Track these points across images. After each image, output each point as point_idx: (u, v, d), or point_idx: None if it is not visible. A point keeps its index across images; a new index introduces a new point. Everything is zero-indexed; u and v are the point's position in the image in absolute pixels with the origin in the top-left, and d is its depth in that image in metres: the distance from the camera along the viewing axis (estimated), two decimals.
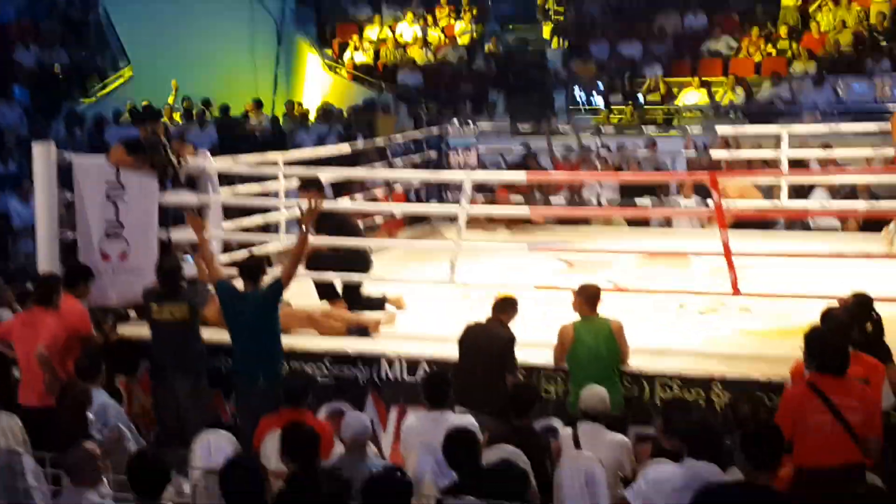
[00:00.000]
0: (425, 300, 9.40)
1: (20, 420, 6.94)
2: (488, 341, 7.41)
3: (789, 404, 5.78)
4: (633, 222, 12.94)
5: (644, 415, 7.24)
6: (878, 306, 6.98)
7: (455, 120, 14.22)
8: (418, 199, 13.48)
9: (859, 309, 6.83)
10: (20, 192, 14.32)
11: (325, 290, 9.20)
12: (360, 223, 11.80)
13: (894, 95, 17.74)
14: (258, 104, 19.60)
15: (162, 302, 7.76)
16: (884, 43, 18.75)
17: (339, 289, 9.22)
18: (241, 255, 9.55)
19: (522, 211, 11.93)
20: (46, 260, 8.79)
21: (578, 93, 20.10)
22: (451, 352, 7.72)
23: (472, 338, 7.45)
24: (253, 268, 7.76)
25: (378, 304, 9.17)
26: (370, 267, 9.33)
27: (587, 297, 7.54)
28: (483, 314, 7.80)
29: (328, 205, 9.18)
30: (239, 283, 7.73)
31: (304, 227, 7.67)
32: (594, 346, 7.32)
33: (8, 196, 14.86)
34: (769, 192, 12.34)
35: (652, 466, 5.80)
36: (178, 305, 7.72)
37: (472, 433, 5.97)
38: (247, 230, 10.12)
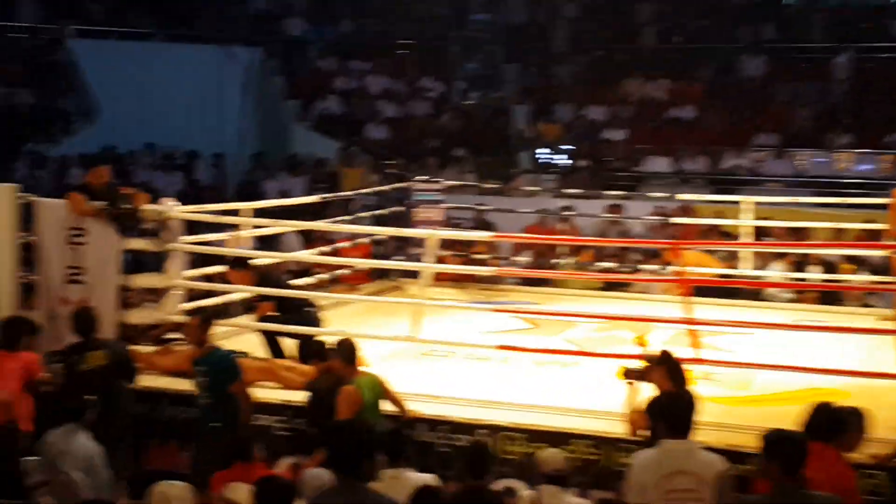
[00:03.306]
0: (387, 356, 9.35)
1: None
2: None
3: None
4: (602, 286, 12.97)
5: (604, 479, 7.21)
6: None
7: (421, 175, 14.26)
8: (383, 254, 13.46)
9: (668, 364, 6.87)
10: None
11: (273, 348, 9.14)
12: (325, 275, 11.83)
13: (852, 169, 18.06)
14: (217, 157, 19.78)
15: (80, 353, 7.73)
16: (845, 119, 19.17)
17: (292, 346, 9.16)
18: (205, 303, 9.54)
19: (487, 270, 11.94)
20: (6, 302, 8.67)
21: (543, 153, 20.30)
22: (413, 408, 7.70)
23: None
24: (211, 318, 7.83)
25: None
26: (319, 325, 9.25)
27: (344, 354, 7.39)
28: (446, 371, 7.71)
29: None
30: None
31: None
32: (373, 403, 7.25)
33: None
34: (730, 261, 12.45)
35: None
36: (95, 354, 7.70)
37: (437, 492, 5.90)
38: (209, 278, 10.04)
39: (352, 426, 5.26)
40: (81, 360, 7.68)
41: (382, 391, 7.41)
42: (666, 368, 6.82)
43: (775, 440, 5.48)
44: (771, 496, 5.42)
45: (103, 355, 7.71)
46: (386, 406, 7.49)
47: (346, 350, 7.42)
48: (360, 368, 8.11)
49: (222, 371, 7.58)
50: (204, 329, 7.73)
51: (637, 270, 12.66)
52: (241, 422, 7.44)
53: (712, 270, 11.96)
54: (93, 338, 7.81)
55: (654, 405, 6.36)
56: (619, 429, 7.28)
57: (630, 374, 7.02)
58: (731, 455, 6.82)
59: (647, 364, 7.00)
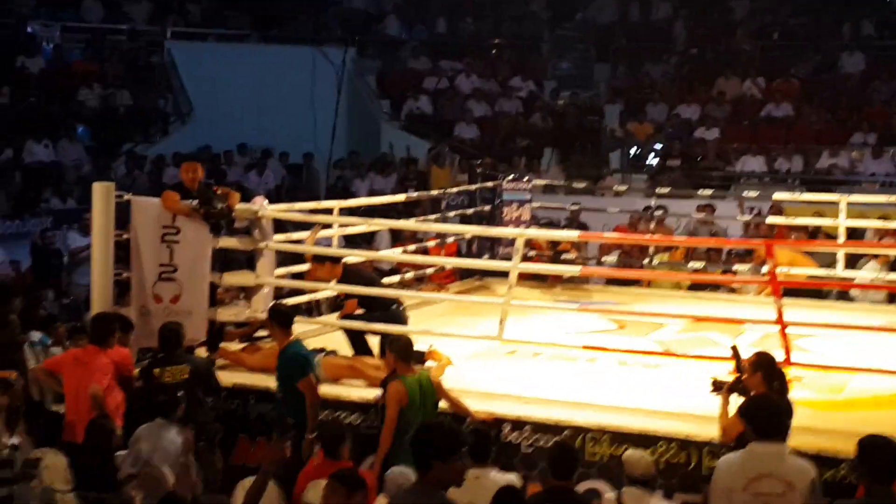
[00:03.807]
0: (472, 355, 9.36)
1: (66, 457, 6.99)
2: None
3: None
4: (690, 286, 12.81)
5: (691, 482, 7.12)
6: None
7: (510, 175, 14.25)
8: (470, 253, 13.47)
9: (765, 368, 6.76)
10: (81, 225, 14.48)
11: (358, 346, 9.19)
12: (412, 273, 11.90)
13: None
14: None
15: (163, 366, 7.81)
16: None
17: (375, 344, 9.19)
18: (292, 301, 9.64)
19: (573, 269, 11.87)
20: (100, 298, 8.86)
21: (634, 153, 20.13)
22: (497, 408, 7.70)
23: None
24: (290, 316, 7.89)
25: (416, 358, 9.05)
26: (405, 322, 9.25)
27: (399, 351, 7.37)
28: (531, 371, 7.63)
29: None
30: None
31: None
32: (420, 403, 7.23)
33: (68, 230, 15.08)
34: (823, 261, 12.20)
35: None
36: (178, 368, 7.77)
37: (520, 493, 5.88)
38: (299, 277, 10.15)
39: (433, 427, 5.24)
40: (164, 373, 7.77)
41: (435, 391, 7.39)
42: (762, 374, 6.71)
43: (869, 445, 5.37)
44: (864, 502, 5.32)
45: (186, 370, 7.81)
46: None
47: (400, 347, 7.43)
48: (419, 366, 8.16)
49: (291, 366, 7.67)
50: (277, 325, 7.84)
51: (728, 271, 12.48)
52: (308, 418, 7.49)
53: (805, 271, 11.75)
54: (178, 353, 7.91)
55: (743, 407, 6.27)
56: (705, 431, 7.19)
57: (717, 386, 6.93)
58: (823, 460, 6.72)
59: (743, 369, 6.88)
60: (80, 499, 6.43)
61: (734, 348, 7.09)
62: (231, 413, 8.28)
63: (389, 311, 9.13)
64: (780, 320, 8.21)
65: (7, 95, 18.81)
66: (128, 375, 7.86)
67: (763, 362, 6.80)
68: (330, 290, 9.62)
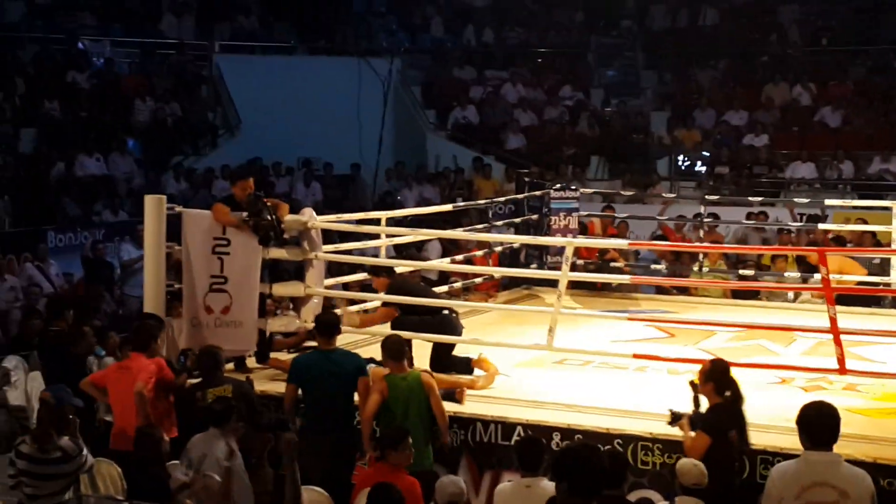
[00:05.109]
0: (521, 364, 9.33)
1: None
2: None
3: None
4: (737, 294, 12.70)
5: (746, 491, 7.05)
6: None
7: (557, 184, 14.21)
8: (518, 262, 13.43)
9: (719, 375, 6.88)
10: (134, 237, 14.58)
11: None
12: (459, 284, 11.88)
13: None
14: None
15: (205, 388, 7.79)
16: None
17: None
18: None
19: (623, 278, 11.82)
20: (152, 309, 8.93)
21: (682, 160, 20.01)
22: (547, 417, 7.67)
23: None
24: (328, 325, 7.95)
25: (464, 366, 9.02)
26: (458, 332, 9.20)
27: (390, 350, 7.50)
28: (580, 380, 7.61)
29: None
30: None
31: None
32: (404, 402, 7.33)
33: (121, 242, 15.23)
34: (875, 267, 12.05)
35: None
36: (220, 389, 7.75)
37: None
38: (348, 287, 10.18)
39: (585, 451, 5.18)
40: (205, 396, 7.72)
41: (427, 392, 7.46)
42: (714, 384, 6.86)
43: None
44: None
45: (228, 389, 7.76)
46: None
47: (388, 345, 7.59)
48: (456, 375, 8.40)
49: None
50: (318, 334, 8.00)
51: (780, 278, 12.37)
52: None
53: (857, 278, 11.61)
54: (218, 375, 7.88)
55: (798, 415, 6.18)
56: (759, 440, 7.11)
57: (676, 417, 7.11)
58: (879, 468, 6.63)
59: (698, 401, 7.04)
60: None
61: (692, 383, 7.08)
62: (281, 422, 8.29)
63: (440, 316, 9.10)
64: (833, 328, 8.11)
65: (59, 110, 19.08)
66: (168, 380, 7.85)
67: (715, 371, 6.89)
68: (379, 300, 9.62)
